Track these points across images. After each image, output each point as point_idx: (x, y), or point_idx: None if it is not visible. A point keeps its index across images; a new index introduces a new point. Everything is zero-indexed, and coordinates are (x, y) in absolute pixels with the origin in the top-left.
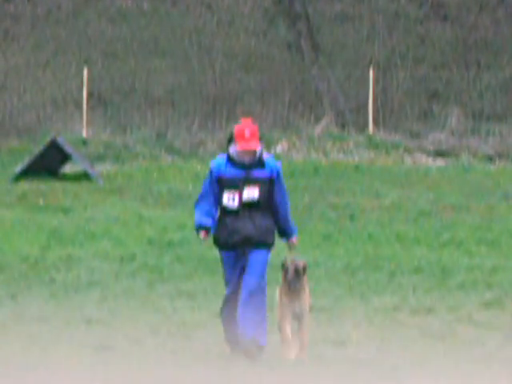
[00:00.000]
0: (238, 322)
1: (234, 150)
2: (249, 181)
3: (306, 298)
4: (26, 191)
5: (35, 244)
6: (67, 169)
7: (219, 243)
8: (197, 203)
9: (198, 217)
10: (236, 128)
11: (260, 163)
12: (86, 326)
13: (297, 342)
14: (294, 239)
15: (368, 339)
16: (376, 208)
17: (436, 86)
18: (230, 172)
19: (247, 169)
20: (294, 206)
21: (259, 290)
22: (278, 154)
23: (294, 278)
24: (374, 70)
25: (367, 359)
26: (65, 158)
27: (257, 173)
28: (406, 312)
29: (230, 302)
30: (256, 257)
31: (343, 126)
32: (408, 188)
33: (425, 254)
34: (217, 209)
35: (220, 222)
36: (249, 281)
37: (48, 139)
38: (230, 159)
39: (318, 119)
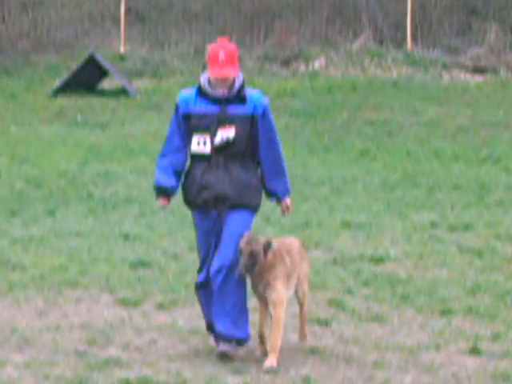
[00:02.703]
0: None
1: (205, 78)
2: (224, 119)
3: (275, 294)
4: (64, 107)
5: (73, 159)
6: (105, 84)
7: (186, 201)
8: (160, 153)
9: (158, 174)
10: (209, 49)
11: (239, 97)
12: (123, 241)
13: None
14: (288, 201)
15: (406, 256)
16: (414, 124)
17: (475, 1)
18: (201, 108)
19: (222, 104)
20: (332, 122)
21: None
22: (315, 70)
23: (249, 264)
24: None
25: (405, 276)
26: (103, 73)
27: (234, 108)
28: (444, 228)
29: (205, 276)
30: (233, 222)
31: (381, 42)
32: (446, 104)
33: (463, 171)
34: (186, 156)
35: (188, 174)
36: (223, 255)
37: (86, 55)
38: (200, 92)
39: (356, 35)
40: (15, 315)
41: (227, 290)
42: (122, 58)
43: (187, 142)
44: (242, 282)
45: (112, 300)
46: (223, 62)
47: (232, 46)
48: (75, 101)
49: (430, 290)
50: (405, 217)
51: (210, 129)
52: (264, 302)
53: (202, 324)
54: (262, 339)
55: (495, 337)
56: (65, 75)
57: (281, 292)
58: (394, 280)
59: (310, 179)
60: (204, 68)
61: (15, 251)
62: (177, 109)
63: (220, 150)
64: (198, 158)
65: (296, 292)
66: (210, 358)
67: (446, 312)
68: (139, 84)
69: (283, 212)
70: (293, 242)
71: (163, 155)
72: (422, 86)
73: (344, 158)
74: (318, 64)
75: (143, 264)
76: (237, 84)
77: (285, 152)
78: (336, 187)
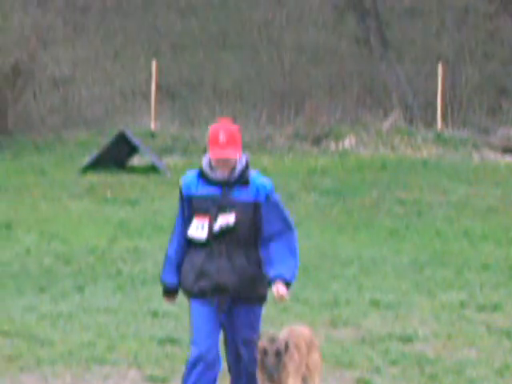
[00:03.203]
0: None
1: (206, 160)
2: (225, 203)
3: (287, 374)
4: (93, 183)
5: (102, 236)
6: (135, 161)
7: (183, 289)
8: (169, 239)
9: (165, 267)
10: (210, 129)
11: (242, 180)
12: (152, 318)
13: None
14: (282, 289)
15: (434, 335)
16: (444, 204)
17: (504, 81)
18: (202, 191)
19: (224, 187)
20: (362, 201)
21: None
22: (345, 149)
23: (274, 364)
24: (442, 65)
25: (434, 355)
26: (132, 150)
27: (236, 193)
28: (473, 308)
29: (196, 368)
30: (240, 322)
31: (411, 122)
32: (476, 184)
33: (492, 251)
34: None
35: (186, 260)
36: (236, 367)
37: (116, 131)
38: (201, 174)
39: (386, 114)
40: None
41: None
42: (152, 134)
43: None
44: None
45: (140, 376)
46: (224, 144)
47: (233, 127)
48: (105, 177)
49: (458, 370)
50: (433, 296)
51: (210, 213)
52: None
53: None
54: None
55: None
56: (95, 151)
57: None
58: (422, 359)
59: (339, 258)
60: (205, 150)
61: (43, 327)
62: (180, 193)
63: (219, 236)
64: (197, 243)
65: None
66: None
67: None
68: (169, 161)
69: (276, 300)
70: (302, 331)
71: (171, 242)
72: (451, 166)
73: (373, 238)
74: (348, 143)
75: (171, 341)
76: (239, 167)
77: (314, 230)
78: (365, 266)
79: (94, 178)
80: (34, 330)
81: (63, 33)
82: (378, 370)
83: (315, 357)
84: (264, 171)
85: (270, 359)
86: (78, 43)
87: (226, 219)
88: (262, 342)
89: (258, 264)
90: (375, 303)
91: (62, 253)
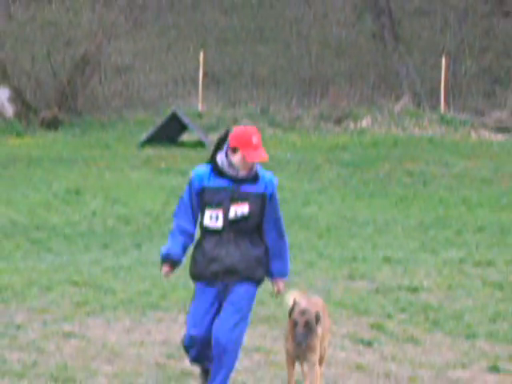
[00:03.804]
0: None
1: (223, 158)
2: (237, 195)
3: (316, 356)
4: (149, 156)
5: (157, 201)
6: (185, 137)
7: (194, 273)
8: (175, 212)
9: (170, 244)
10: (238, 132)
11: (253, 176)
12: None
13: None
14: (281, 284)
15: (437, 287)
16: (446, 175)
17: (498, 71)
18: (215, 183)
19: (236, 182)
20: (376, 173)
21: (233, 346)
22: (363, 128)
23: (303, 334)
24: (445, 57)
25: (437, 304)
26: (183, 128)
27: (247, 187)
28: (470, 264)
29: (194, 347)
30: (237, 294)
31: (419, 105)
32: (473, 159)
33: (486, 216)
34: (194, 230)
35: (198, 247)
36: (221, 329)
37: (169, 112)
38: (215, 170)
39: (397, 98)
40: (106, 332)
41: (221, 364)
42: (199, 115)
43: (197, 217)
44: (235, 356)
45: None
46: (257, 146)
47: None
48: (159, 151)
49: (457, 317)
50: (437, 254)
51: (223, 204)
52: (293, 361)
53: (265, 342)
54: None
55: None
56: (151, 129)
57: (318, 355)
58: (426, 307)
59: (356, 220)
60: (220, 147)
61: (107, 278)
62: (190, 184)
63: (232, 225)
64: (209, 232)
65: None
66: (270, 371)
67: (470, 336)
68: (214, 137)
69: (275, 292)
70: (318, 302)
71: (175, 228)
72: (452, 143)
73: (386, 203)
74: (365, 123)
75: None
76: (256, 166)
77: (335, 197)
78: (379, 228)
79: (150, 151)
80: (98, 281)
81: (125, 28)
82: (389, 316)
83: (327, 323)
84: (293, 146)
85: (299, 329)
86: (138, 37)
87: (241, 209)
88: (295, 311)
89: (261, 248)
90: (387, 259)
91: (123, 215)
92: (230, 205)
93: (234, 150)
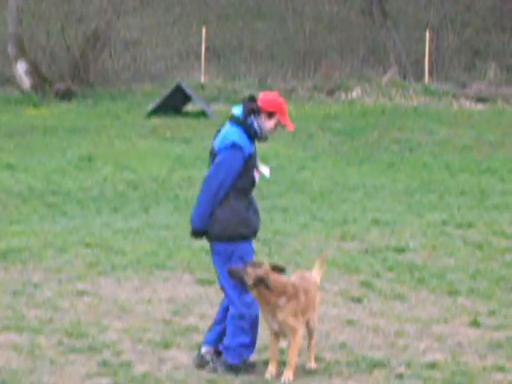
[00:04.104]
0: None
1: (260, 123)
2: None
3: (284, 314)
4: (156, 125)
5: (163, 167)
6: (189, 108)
7: (248, 232)
8: (217, 193)
9: (204, 217)
10: (273, 97)
11: None
12: None
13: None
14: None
15: (422, 247)
16: (429, 142)
17: (478, 45)
18: (252, 149)
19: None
20: (365, 140)
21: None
22: (353, 99)
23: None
24: (429, 32)
25: (421, 263)
26: (187, 99)
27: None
28: (452, 225)
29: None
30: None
31: (404, 77)
32: (455, 127)
33: (467, 180)
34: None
35: (250, 207)
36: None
37: (174, 84)
38: (251, 135)
39: (385, 71)
40: (116, 290)
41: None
42: (202, 86)
43: (235, 182)
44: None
45: (192, 279)
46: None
47: None
48: (165, 120)
49: (440, 275)
50: (421, 216)
51: (256, 165)
52: (275, 332)
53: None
54: (272, 362)
55: (491, 313)
56: (157, 100)
57: (296, 326)
58: (412, 266)
59: (347, 185)
60: (255, 112)
61: (117, 239)
62: (240, 152)
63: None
64: (245, 192)
65: (307, 323)
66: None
67: (452, 292)
68: (215, 108)
69: None
70: (310, 278)
71: (214, 199)
72: (436, 112)
73: (374, 169)
74: (355, 93)
75: None
76: None
77: (328, 163)
78: (368, 192)
79: (156, 121)
80: (109, 242)
81: (133, 5)
82: (377, 275)
83: (318, 297)
84: (289, 116)
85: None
86: (145, 13)
87: (267, 169)
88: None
89: None
90: (376, 221)
91: (131, 180)
92: (259, 167)
93: (270, 115)
